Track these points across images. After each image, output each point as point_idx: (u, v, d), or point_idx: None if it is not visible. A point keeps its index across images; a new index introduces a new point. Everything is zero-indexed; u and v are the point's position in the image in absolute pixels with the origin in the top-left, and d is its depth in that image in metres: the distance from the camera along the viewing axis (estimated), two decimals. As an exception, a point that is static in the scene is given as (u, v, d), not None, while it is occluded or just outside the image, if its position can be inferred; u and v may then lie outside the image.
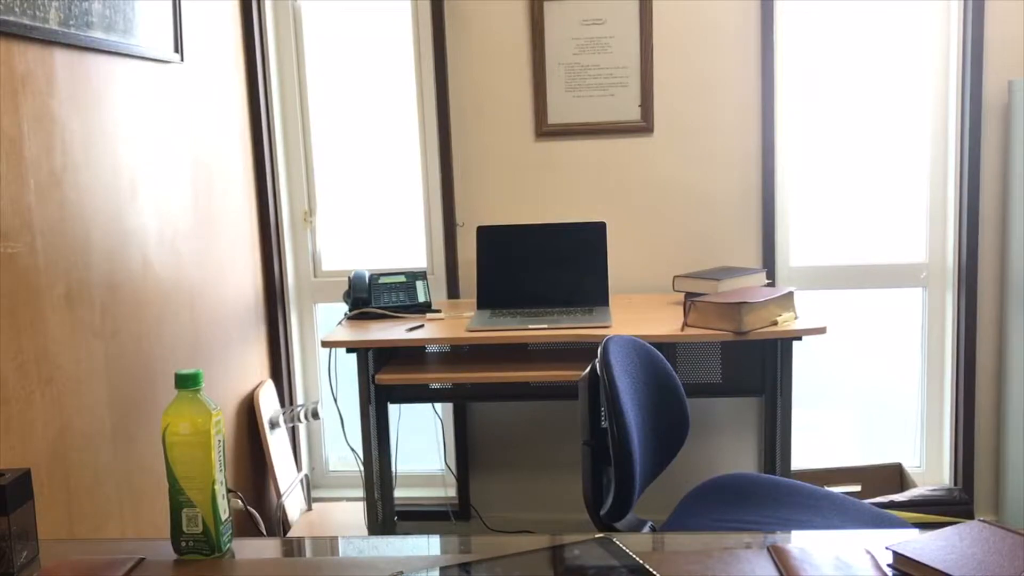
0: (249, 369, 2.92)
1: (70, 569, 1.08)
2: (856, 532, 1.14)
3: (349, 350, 2.56)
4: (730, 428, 3.07)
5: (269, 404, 2.98)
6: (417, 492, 3.25)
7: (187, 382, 1.11)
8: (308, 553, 1.16)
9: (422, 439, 3.23)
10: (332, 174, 3.17)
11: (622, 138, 2.96)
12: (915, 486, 2.82)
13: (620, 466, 1.71)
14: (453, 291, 3.06)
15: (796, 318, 2.48)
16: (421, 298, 2.82)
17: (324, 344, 2.50)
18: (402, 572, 1.06)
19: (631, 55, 2.91)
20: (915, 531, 1.09)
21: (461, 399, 3.00)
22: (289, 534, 2.89)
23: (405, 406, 3.14)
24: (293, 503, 3.00)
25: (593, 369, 1.83)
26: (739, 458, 3.08)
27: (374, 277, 2.84)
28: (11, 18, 1.70)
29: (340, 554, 1.15)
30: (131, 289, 2.17)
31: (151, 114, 2.31)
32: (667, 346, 2.71)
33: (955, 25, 2.84)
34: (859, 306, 3.08)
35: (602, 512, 1.79)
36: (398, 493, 3.13)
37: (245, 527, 2.81)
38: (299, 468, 3.17)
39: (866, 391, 3.14)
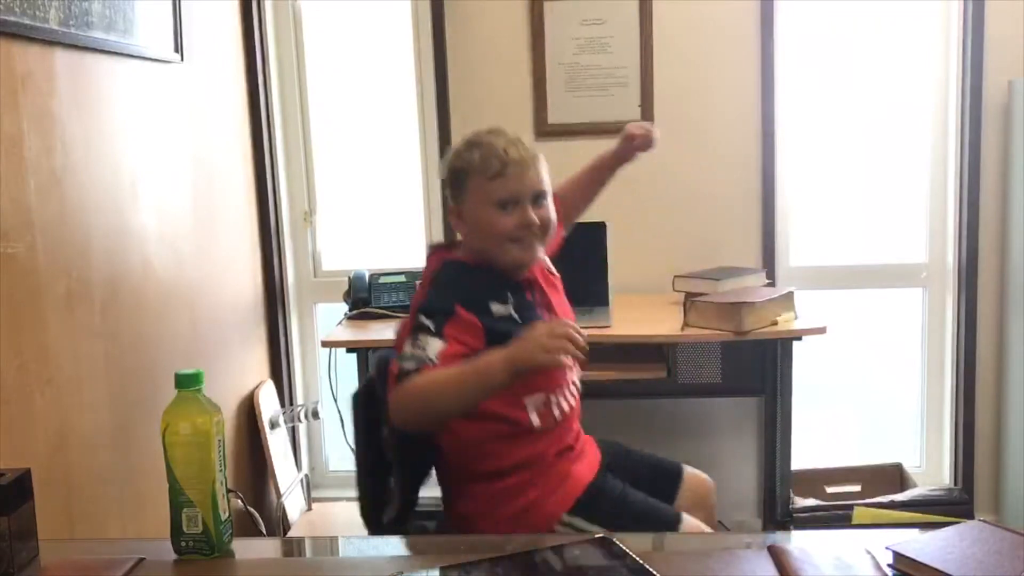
0: (249, 369, 2.91)
1: (70, 569, 1.08)
2: (856, 532, 1.14)
3: (349, 350, 2.56)
4: (730, 428, 3.06)
5: (269, 404, 2.98)
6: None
7: (187, 382, 1.11)
8: (308, 553, 1.16)
9: (422, 439, 3.22)
10: (332, 174, 3.17)
11: (622, 138, 2.95)
12: (915, 486, 2.82)
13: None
14: (453, 291, 3.05)
15: (796, 318, 2.48)
16: (421, 298, 2.82)
17: (324, 344, 2.51)
18: (402, 572, 1.06)
19: (631, 55, 2.91)
20: (915, 531, 1.09)
21: (461, 399, 2.99)
22: (289, 534, 2.89)
23: (405, 406, 3.13)
24: (293, 503, 3.00)
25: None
26: (739, 458, 3.07)
27: (374, 277, 2.84)
28: (11, 18, 1.70)
29: (340, 554, 1.15)
30: (131, 289, 2.17)
31: (151, 114, 2.31)
32: (667, 346, 2.71)
33: (955, 25, 2.84)
34: (859, 306, 3.08)
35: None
36: (398, 493, 3.13)
37: (245, 527, 2.80)
38: (299, 468, 3.17)
39: (866, 391, 3.14)
